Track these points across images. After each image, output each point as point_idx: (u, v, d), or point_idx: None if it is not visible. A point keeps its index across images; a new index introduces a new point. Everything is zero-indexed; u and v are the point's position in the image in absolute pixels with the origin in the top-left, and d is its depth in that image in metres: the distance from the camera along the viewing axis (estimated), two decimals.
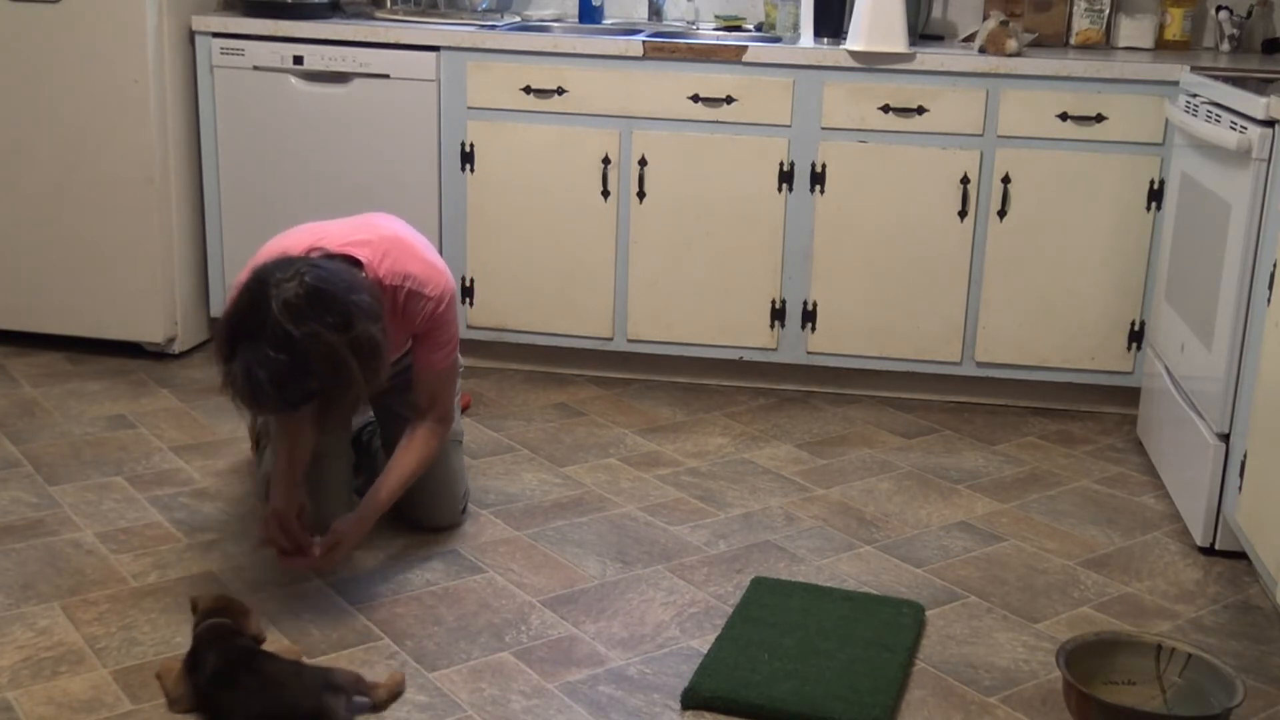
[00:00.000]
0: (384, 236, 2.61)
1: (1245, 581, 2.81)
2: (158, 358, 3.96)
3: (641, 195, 3.72)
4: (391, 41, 3.76)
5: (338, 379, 2.29)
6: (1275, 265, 2.66)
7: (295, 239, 2.56)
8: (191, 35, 3.86)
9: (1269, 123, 2.72)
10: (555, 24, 4.13)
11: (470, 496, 3.03)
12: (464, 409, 3.61)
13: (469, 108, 3.76)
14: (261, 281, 2.29)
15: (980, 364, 3.73)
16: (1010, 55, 3.57)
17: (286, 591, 2.62)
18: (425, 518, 2.90)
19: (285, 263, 2.34)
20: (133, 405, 3.60)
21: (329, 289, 2.30)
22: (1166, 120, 3.49)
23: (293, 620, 2.51)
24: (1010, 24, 3.64)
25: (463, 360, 3.93)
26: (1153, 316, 3.53)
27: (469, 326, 3.89)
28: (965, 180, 3.60)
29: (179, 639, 2.41)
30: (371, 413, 3.02)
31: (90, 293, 3.90)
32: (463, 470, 2.98)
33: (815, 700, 2.27)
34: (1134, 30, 3.95)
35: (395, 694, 2.26)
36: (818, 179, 3.66)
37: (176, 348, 3.97)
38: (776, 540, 2.93)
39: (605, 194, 3.73)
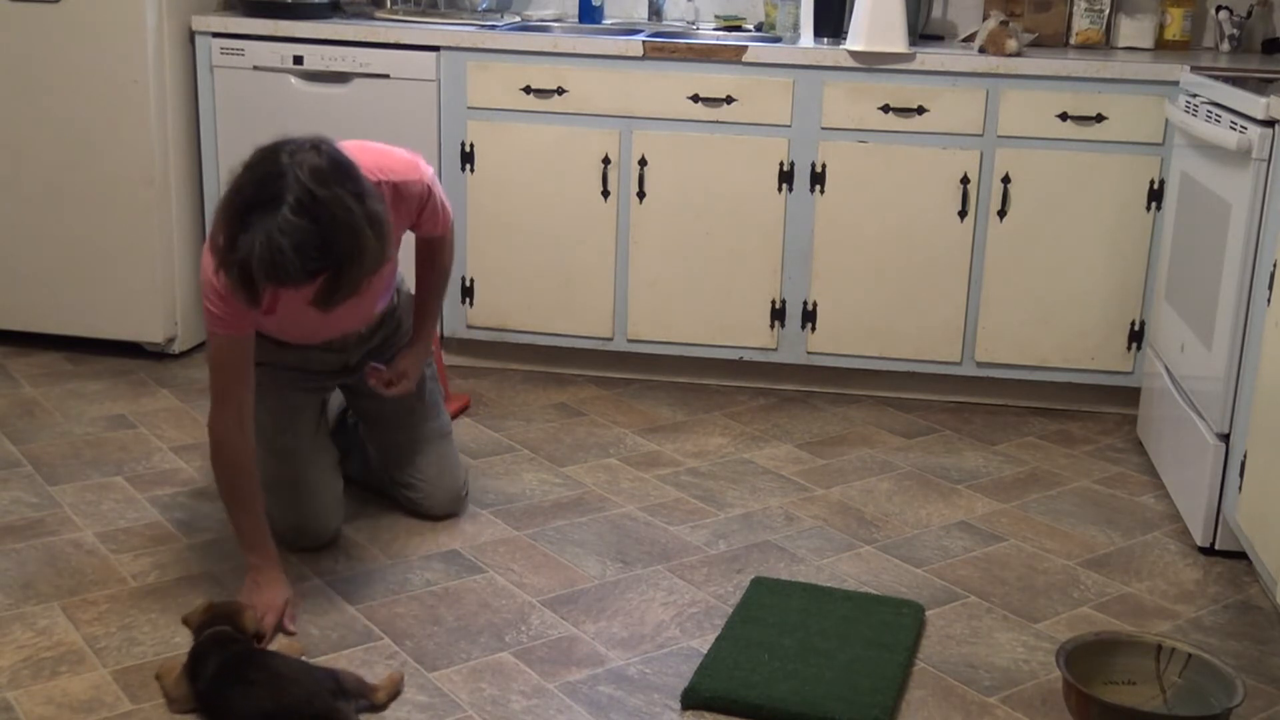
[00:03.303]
0: (349, 146, 2.54)
1: (1245, 581, 2.81)
2: (158, 358, 3.96)
3: (641, 195, 3.72)
4: (391, 41, 3.76)
5: (354, 249, 2.26)
6: (1275, 265, 2.66)
7: None
8: (191, 35, 3.86)
9: (1269, 123, 2.72)
10: (555, 24, 4.13)
11: (470, 488, 3.05)
12: (464, 409, 3.61)
13: (469, 108, 3.76)
14: (273, 155, 2.25)
15: (980, 364, 3.73)
16: (1010, 55, 3.57)
17: None
18: (428, 508, 2.94)
19: (293, 141, 2.31)
20: (133, 405, 3.60)
21: (346, 161, 2.32)
22: (1166, 120, 3.49)
23: None
24: (1010, 24, 3.64)
25: (463, 360, 3.96)
26: (1153, 316, 3.53)
27: (469, 326, 3.89)
28: (965, 180, 3.60)
29: (179, 639, 2.41)
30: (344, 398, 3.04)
31: (90, 293, 3.90)
32: (459, 458, 3.02)
33: (815, 700, 2.27)
34: (1134, 30, 3.95)
35: (395, 694, 2.26)
36: (818, 179, 3.66)
37: (176, 348, 3.97)
38: (776, 540, 2.93)
39: (605, 194, 3.73)
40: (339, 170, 2.28)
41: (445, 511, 2.97)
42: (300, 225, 2.20)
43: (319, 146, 2.29)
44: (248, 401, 2.53)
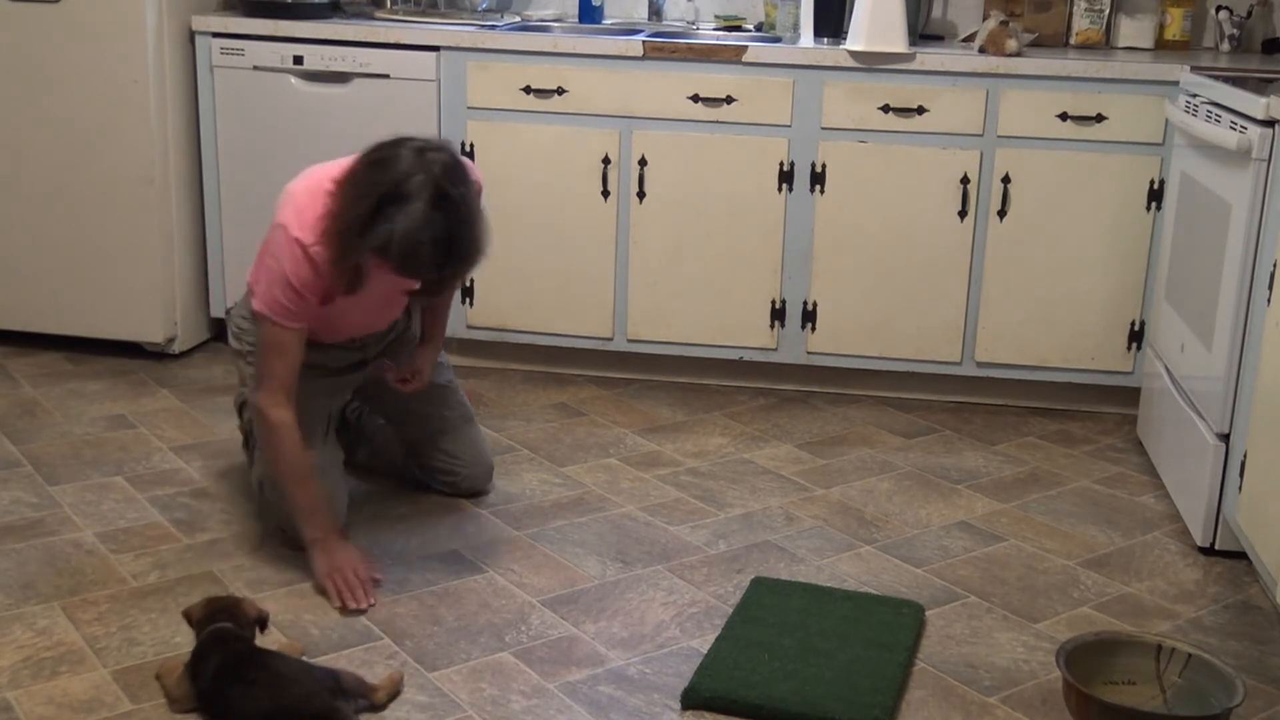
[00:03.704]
0: None
1: (1245, 581, 2.81)
2: (158, 358, 3.96)
3: (641, 195, 3.72)
4: (391, 41, 3.76)
5: (476, 246, 2.47)
6: (1275, 265, 2.66)
7: (324, 170, 2.62)
8: (191, 35, 3.86)
9: (1269, 123, 2.72)
10: (555, 24, 4.13)
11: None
12: None
13: (469, 108, 3.76)
14: (402, 151, 2.42)
15: (980, 364, 3.73)
16: (1010, 55, 3.57)
17: (286, 591, 2.62)
18: (466, 487, 3.05)
19: (416, 138, 2.46)
20: (133, 405, 3.60)
21: (465, 162, 2.51)
22: (1166, 120, 3.49)
23: (293, 620, 2.51)
24: (1010, 24, 3.64)
25: (463, 360, 3.96)
26: (1153, 316, 3.53)
27: (469, 326, 3.89)
28: (965, 180, 3.60)
29: (179, 639, 2.41)
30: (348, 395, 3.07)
31: (90, 293, 3.90)
32: (484, 434, 3.15)
33: (815, 700, 2.27)
34: (1134, 30, 3.95)
35: (394, 694, 2.26)
36: (818, 179, 3.66)
37: (176, 348, 3.97)
38: (776, 540, 2.93)
39: (605, 194, 3.73)
40: (463, 171, 2.45)
41: (481, 488, 3.09)
42: (437, 220, 2.38)
43: (443, 147, 2.45)
44: (294, 387, 2.63)
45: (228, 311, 3.01)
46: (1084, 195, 3.58)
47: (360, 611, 2.54)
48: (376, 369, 2.92)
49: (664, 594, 2.67)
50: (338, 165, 2.58)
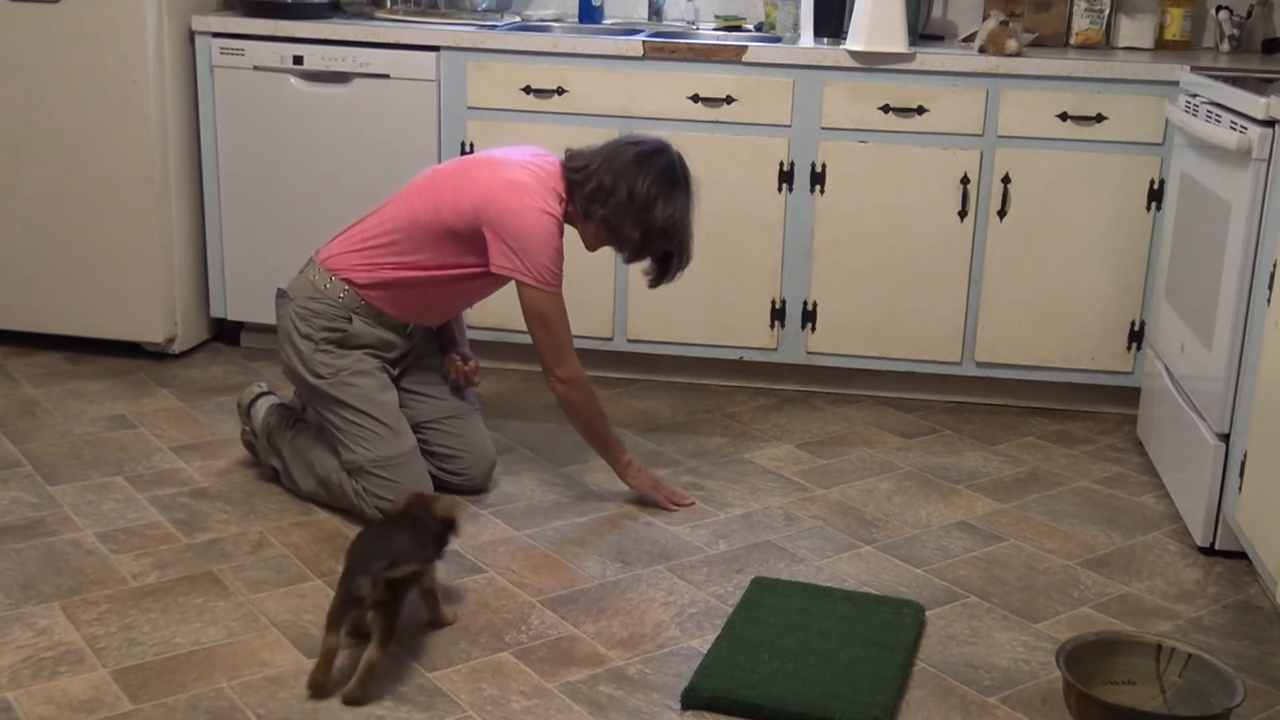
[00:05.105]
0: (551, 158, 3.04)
1: (1245, 581, 2.81)
2: (158, 358, 3.96)
3: None
4: (391, 41, 3.76)
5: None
6: (1275, 265, 2.66)
7: (519, 159, 2.93)
8: (191, 35, 3.86)
9: (1269, 123, 2.72)
10: (555, 24, 4.13)
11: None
12: None
13: (469, 108, 3.76)
14: (669, 149, 2.93)
15: (980, 364, 3.73)
16: (1010, 55, 3.57)
17: (285, 591, 2.62)
18: (468, 478, 3.08)
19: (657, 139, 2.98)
20: (133, 405, 3.60)
21: None
22: (1166, 120, 3.49)
23: (292, 620, 2.51)
24: (1010, 24, 3.64)
25: None
26: (1153, 316, 3.53)
27: (469, 327, 3.88)
28: (965, 180, 3.60)
29: (179, 639, 2.42)
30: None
31: (90, 293, 3.90)
32: (488, 435, 3.21)
33: (815, 700, 2.27)
34: (1134, 30, 3.95)
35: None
36: (818, 179, 3.66)
37: (176, 348, 3.97)
38: (776, 540, 2.93)
39: None
40: None
41: (482, 483, 3.12)
42: (690, 206, 2.92)
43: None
44: None
45: (281, 293, 3.02)
46: (1084, 195, 3.58)
47: (689, 505, 3.05)
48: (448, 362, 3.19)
49: (664, 594, 2.67)
50: (523, 156, 2.94)
